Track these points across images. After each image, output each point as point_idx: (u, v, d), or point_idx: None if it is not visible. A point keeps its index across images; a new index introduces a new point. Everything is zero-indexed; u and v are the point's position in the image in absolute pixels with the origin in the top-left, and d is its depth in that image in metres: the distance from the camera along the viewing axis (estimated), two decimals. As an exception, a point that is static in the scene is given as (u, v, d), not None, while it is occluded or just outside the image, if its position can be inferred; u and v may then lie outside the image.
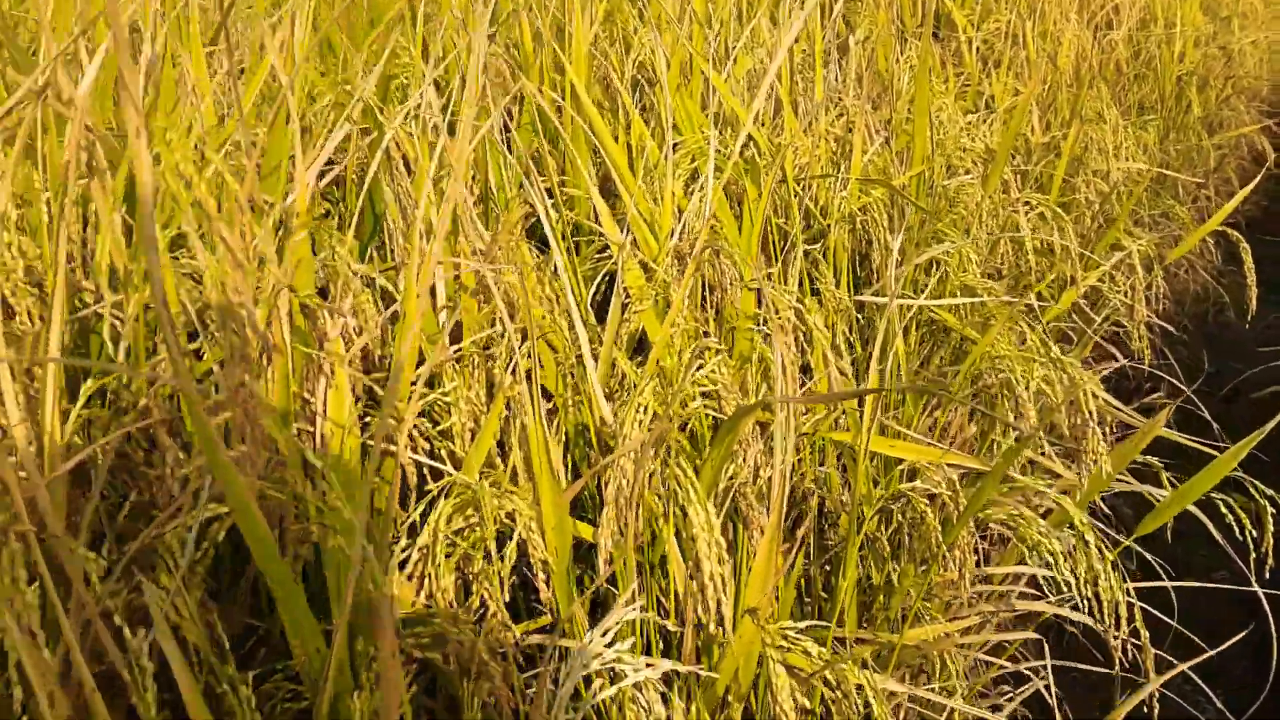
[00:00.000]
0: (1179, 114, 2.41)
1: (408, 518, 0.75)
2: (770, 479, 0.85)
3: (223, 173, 0.54)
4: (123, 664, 0.54)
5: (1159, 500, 0.99)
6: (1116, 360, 1.62)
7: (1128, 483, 1.11)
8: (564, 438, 0.94)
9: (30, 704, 0.50)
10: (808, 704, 0.74)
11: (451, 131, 1.03)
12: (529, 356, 0.76)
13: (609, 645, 0.65)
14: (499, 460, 0.83)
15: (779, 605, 0.92)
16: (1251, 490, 0.98)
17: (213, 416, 0.59)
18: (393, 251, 1.03)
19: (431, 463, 0.75)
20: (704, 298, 1.09)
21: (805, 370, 1.06)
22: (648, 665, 0.63)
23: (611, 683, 0.65)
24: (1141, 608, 0.93)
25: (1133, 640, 0.93)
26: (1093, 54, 1.99)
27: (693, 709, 0.78)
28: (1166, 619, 1.08)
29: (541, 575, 0.73)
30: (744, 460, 0.88)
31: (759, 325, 1.00)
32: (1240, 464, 0.94)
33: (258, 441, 0.56)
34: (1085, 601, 0.92)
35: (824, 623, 0.91)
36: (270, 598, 0.68)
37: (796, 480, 1.04)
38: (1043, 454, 1.18)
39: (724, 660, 0.75)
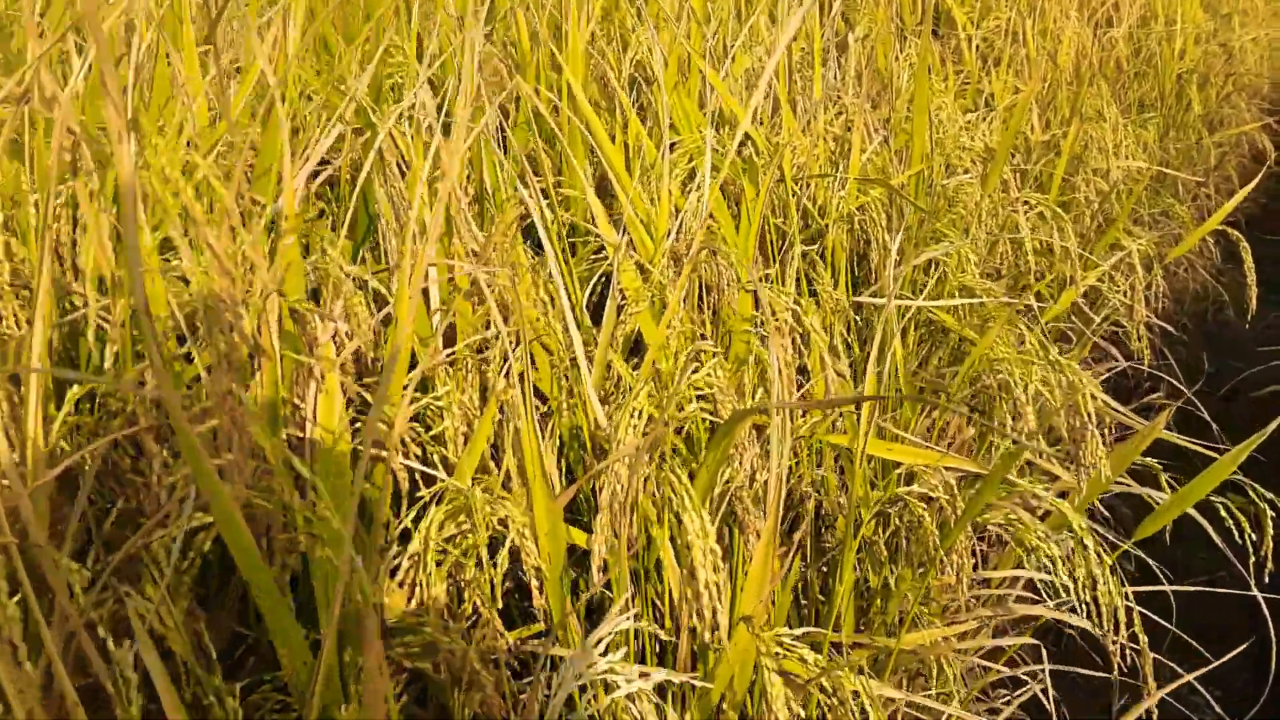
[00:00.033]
0: (1179, 112, 2.40)
1: (400, 524, 0.74)
2: (766, 483, 0.84)
3: (209, 177, 0.53)
4: (107, 676, 0.54)
5: (1158, 504, 0.98)
6: (1115, 360, 1.61)
7: (1127, 485, 1.10)
8: (559, 441, 0.93)
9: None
10: (803, 712, 0.73)
11: (447, 132, 1.03)
12: (522, 360, 0.76)
13: (603, 654, 0.64)
14: (493, 465, 0.82)
15: (775, 609, 0.92)
16: (1251, 494, 0.97)
17: (199, 424, 0.58)
18: (386, 253, 1.03)
19: (424, 469, 0.75)
20: (701, 297, 1.08)
21: (802, 371, 1.05)
22: (641, 675, 0.62)
23: (606, 692, 0.64)
24: (1141, 612, 0.92)
25: (1131, 645, 0.93)
26: (1093, 51, 1.98)
27: (687, 718, 0.78)
28: (1165, 623, 1.07)
29: (535, 582, 0.72)
30: (740, 464, 0.87)
31: (756, 327, 0.99)
32: (1239, 466, 0.93)
33: (245, 449, 0.56)
34: (1084, 606, 0.92)
35: (821, 629, 0.90)
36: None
37: (793, 482, 1.03)
38: (1041, 456, 1.17)
39: (719, 668, 0.75)
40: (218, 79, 0.89)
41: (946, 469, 0.95)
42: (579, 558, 0.91)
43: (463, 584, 0.70)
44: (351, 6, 1.53)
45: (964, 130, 1.51)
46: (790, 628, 1.01)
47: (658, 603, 0.89)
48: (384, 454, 0.66)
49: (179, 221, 0.52)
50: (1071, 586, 0.91)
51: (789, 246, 1.15)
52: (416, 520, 0.71)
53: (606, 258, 1.11)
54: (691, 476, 0.77)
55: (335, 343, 0.75)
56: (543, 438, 0.77)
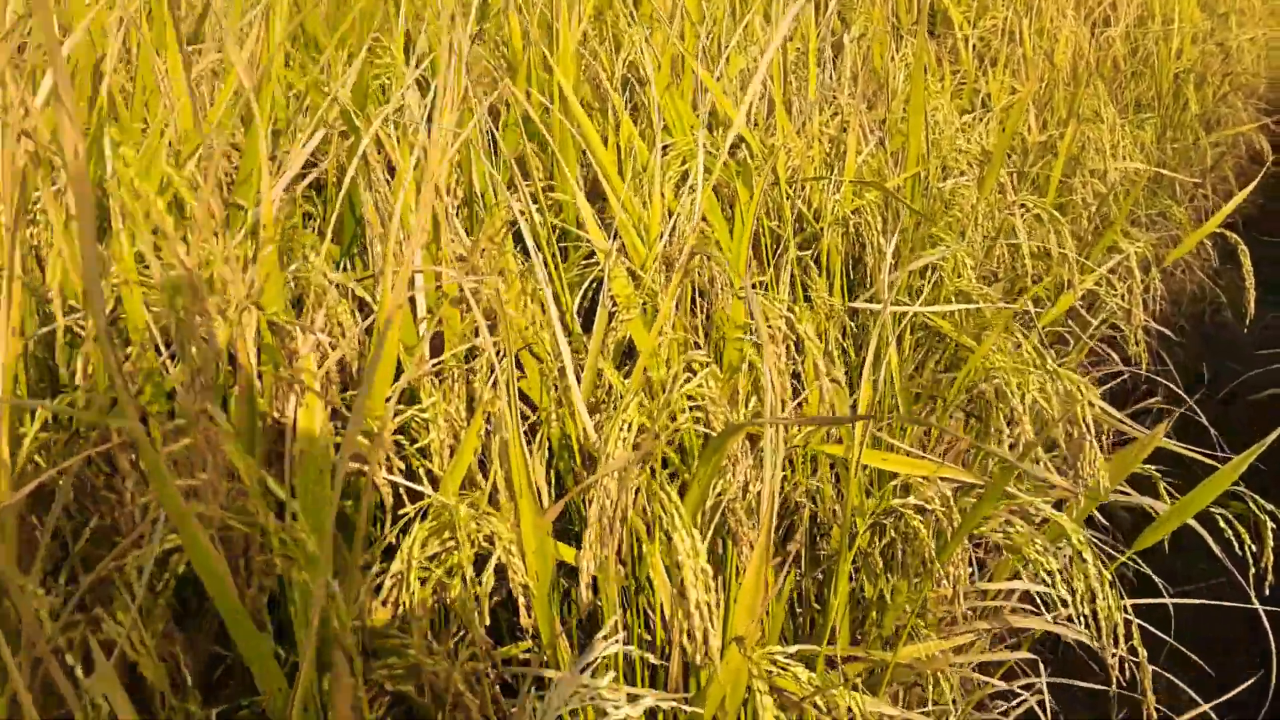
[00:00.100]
0: (1176, 112, 2.39)
1: (384, 540, 0.72)
2: (760, 494, 0.83)
3: (179, 190, 0.51)
4: (77, 704, 0.52)
5: (1158, 514, 0.97)
6: (1113, 364, 1.60)
7: (1126, 494, 1.08)
8: (548, 451, 0.91)
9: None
10: (797, 732, 0.72)
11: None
12: (508, 370, 0.74)
13: (592, 676, 0.62)
14: (481, 477, 0.80)
15: (770, 621, 0.90)
16: (1251, 505, 0.96)
17: (174, 442, 0.56)
18: (373, 258, 1.01)
19: (408, 483, 0.73)
20: (694, 302, 1.06)
21: (797, 377, 1.04)
22: (630, 699, 0.61)
23: (596, 717, 0.62)
24: (1139, 625, 0.91)
25: (1130, 658, 0.91)
26: (1090, 51, 1.97)
27: (678, 738, 0.76)
28: (1164, 635, 1.06)
29: (523, 600, 0.70)
30: (733, 475, 0.85)
31: (749, 334, 0.98)
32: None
33: (220, 469, 0.54)
34: (1082, 617, 0.90)
35: (814, 644, 0.88)
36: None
37: (788, 491, 1.01)
38: (1038, 463, 1.15)
39: (710, 688, 0.73)
40: (201, 79, 0.87)
41: (943, 479, 0.94)
42: (570, 569, 0.89)
43: (448, 602, 0.68)
44: (342, 6, 1.51)
45: (960, 132, 1.49)
46: (785, 640, 1.00)
47: (650, 614, 0.87)
48: (365, 468, 0.64)
49: (149, 236, 0.50)
50: (1070, 599, 0.89)
51: (783, 250, 1.13)
52: (401, 535, 0.69)
53: (598, 262, 1.09)
54: (683, 490, 0.75)
55: (319, 353, 0.73)
56: (531, 448, 0.75)
